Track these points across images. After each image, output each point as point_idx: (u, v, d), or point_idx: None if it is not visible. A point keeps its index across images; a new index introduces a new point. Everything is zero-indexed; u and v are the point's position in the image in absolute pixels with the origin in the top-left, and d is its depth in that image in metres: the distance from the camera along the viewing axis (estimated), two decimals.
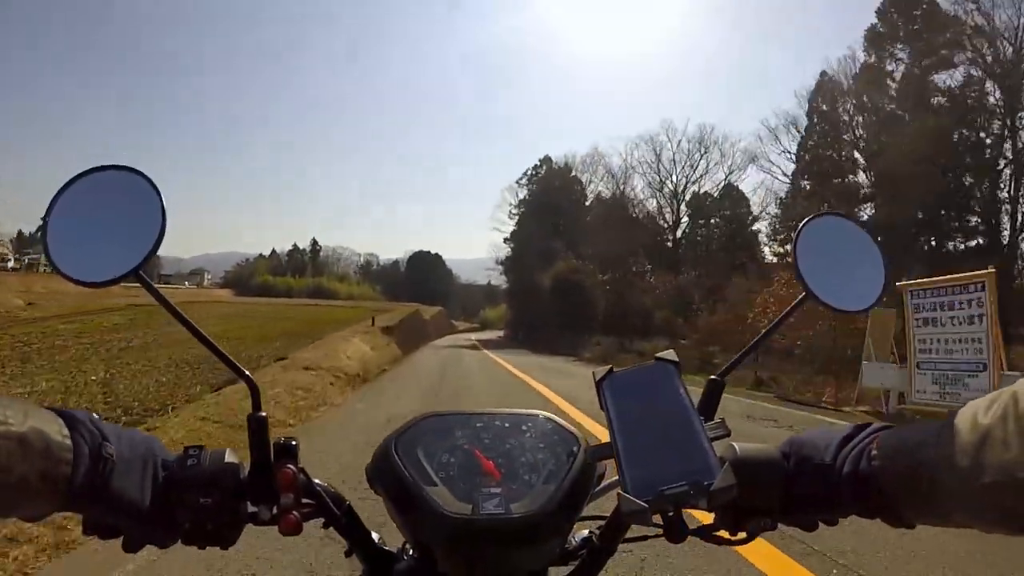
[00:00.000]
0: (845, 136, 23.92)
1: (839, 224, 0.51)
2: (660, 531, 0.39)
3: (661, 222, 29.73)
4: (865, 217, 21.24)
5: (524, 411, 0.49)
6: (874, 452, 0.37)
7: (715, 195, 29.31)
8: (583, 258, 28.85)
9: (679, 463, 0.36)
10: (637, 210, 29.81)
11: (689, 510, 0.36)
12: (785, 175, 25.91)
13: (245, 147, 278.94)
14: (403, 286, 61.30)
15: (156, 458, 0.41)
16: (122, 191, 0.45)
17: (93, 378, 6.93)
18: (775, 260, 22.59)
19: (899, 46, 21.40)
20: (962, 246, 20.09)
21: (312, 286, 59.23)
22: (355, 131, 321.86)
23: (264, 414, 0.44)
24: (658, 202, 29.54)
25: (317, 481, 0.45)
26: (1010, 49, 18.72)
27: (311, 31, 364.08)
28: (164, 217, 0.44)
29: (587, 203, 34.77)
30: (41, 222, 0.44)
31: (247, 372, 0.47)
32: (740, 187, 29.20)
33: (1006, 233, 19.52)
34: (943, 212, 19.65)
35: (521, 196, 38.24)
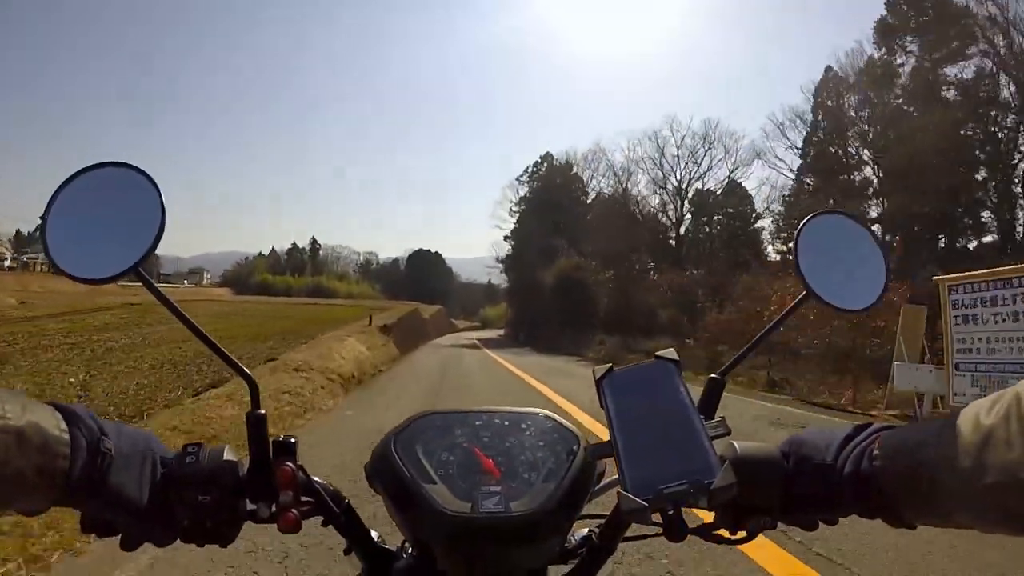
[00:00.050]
0: (852, 131, 23.55)
1: (840, 222, 0.51)
2: (660, 530, 0.39)
3: (664, 219, 29.34)
4: (875, 214, 20.89)
5: (524, 409, 0.49)
6: (875, 452, 0.37)
7: (718, 192, 28.91)
8: (584, 256, 28.61)
9: (679, 462, 0.36)
10: (640, 207, 29.42)
11: (689, 509, 0.37)
12: (792, 171, 25.62)
13: (245, 146, 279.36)
14: (403, 285, 61.17)
15: (154, 455, 0.40)
16: (121, 188, 0.45)
17: (72, 380, 6.60)
18: (778, 258, 22.27)
19: (909, 38, 20.98)
20: (975, 242, 19.72)
21: (311, 285, 59.21)
22: (355, 130, 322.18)
23: (263, 412, 0.44)
24: (662, 199, 29.16)
25: (316, 479, 0.45)
26: None
27: (311, 31, 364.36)
28: (163, 214, 0.44)
29: (588, 200, 34.39)
30: (40, 220, 0.44)
31: (247, 370, 0.47)
32: (744, 184, 28.83)
33: (1021, 229, 19.12)
34: (956, 208, 19.24)
35: (522, 193, 37.96)
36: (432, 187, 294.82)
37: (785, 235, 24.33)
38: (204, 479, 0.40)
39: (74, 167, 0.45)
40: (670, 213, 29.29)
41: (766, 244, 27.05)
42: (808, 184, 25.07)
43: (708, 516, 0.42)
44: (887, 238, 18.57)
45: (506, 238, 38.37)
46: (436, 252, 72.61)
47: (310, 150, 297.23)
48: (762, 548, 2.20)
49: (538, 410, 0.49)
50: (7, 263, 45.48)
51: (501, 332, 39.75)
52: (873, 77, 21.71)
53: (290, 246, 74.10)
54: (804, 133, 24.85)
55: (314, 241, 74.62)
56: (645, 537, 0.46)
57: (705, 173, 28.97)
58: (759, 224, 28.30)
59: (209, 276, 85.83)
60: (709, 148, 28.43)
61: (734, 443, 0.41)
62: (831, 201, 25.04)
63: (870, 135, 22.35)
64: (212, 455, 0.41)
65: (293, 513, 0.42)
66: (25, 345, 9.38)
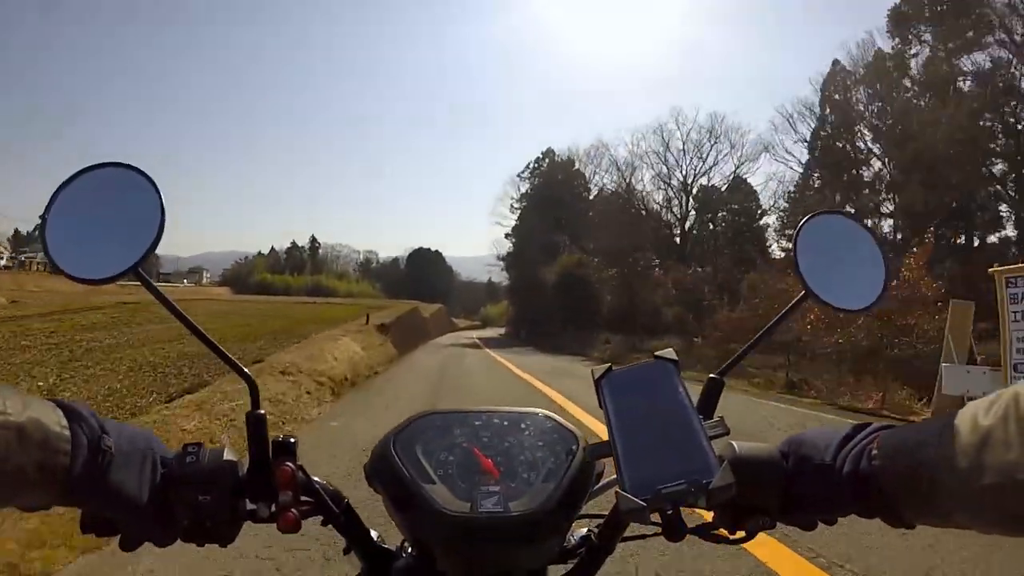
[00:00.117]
0: (861, 125, 23.10)
1: (840, 222, 0.51)
2: (659, 530, 0.39)
3: (668, 216, 28.81)
4: (888, 209, 20.38)
5: (523, 409, 0.49)
6: (874, 452, 0.37)
7: (723, 189, 28.40)
8: (587, 253, 28.08)
9: (678, 462, 0.37)
10: (643, 203, 28.90)
11: (688, 508, 0.37)
12: (801, 164, 25.09)
13: (245, 146, 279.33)
14: (403, 284, 60.90)
15: (155, 454, 0.41)
16: (121, 188, 0.46)
17: (40, 384, 6.11)
18: (783, 255, 21.84)
19: (924, 27, 20.39)
20: (993, 237, 19.18)
21: (311, 284, 59.03)
22: (355, 129, 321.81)
23: (263, 412, 0.45)
24: (666, 194, 28.62)
25: (316, 479, 0.45)
26: None
27: (311, 30, 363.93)
28: (163, 215, 0.45)
29: (591, 196, 33.90)
30: (40, 220, 0.44)
31: (246, 370, 0.47)
32: (749, 180, 28.39)
33: None
34: (972, 202, 18.70)
35: (523, 190, 37.53)
36: (432, 186, 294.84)
37: (790, 232, 23.86)
38: (204, 479, 0.40)
39: (72, 167, 0.45)
40: (675, 209, 28.80)
41: (771, 241, 26.59)
42: (815, 180, 24.60)
43: (708, 516, 0.43)
44: (898, 236, 18.01)
45: (507, 235, 38.10)
46: (436, 251, 72.56)
47: (310, 149, 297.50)
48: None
49: (537, 410, 0.50)
50: (3, 262, 45.29)
51: (502, 331, 39.38)
52: (884, 69, 21.17)
53: (289, 245, 73.89)
54: (813, 126, 24.32)
55: (313, 240, 74.58)
56: (644, 537, 0.46)
57: (711, 168, 28.55)
58: (764, 221, 27.86)
59: (208, 275, 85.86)
60: (715, 143, 27.93)
61: (733, 443, 0.41)
62: (837, 197, 24.61)
63: (883, 128, 21.79)
64: (212, 455, 0.42)
65: (293, 513, 0.43)
66: (3, 345, 8.90)
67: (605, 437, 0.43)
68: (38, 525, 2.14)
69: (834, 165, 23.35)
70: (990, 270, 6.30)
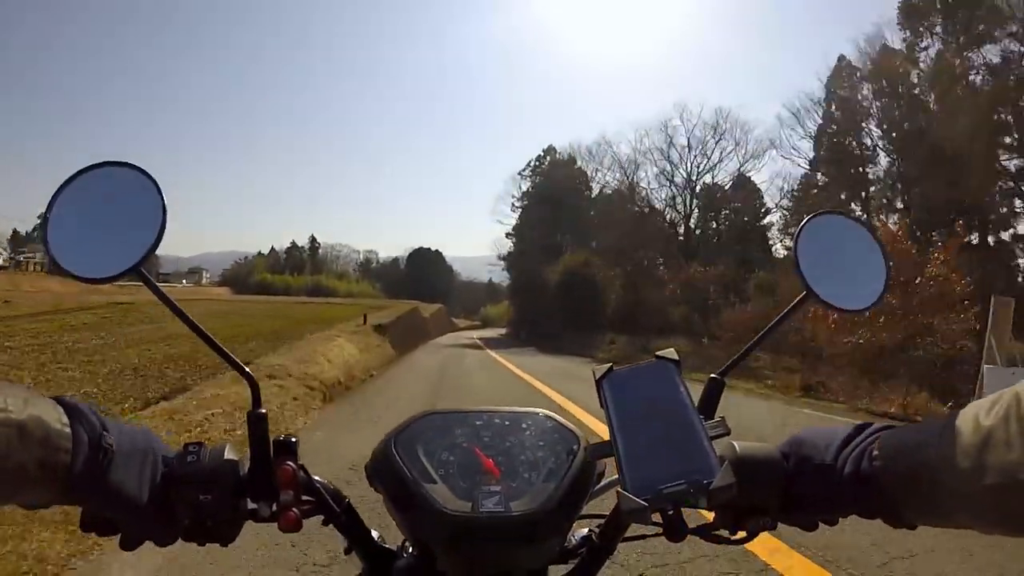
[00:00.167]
0: (867, 121, 22.76)
1: (841, 223, 0.52)
2: (659, 530, 0.40)
3: (671, 214, 28.42)
4: (901, 205, 19.98)
5: (524, 409, 0.50)
6: (875, 452, 0.38)
7: (726, 187, 28.05)
8: (589, 252, 27.70)
9: (679, 462, 0.37)
10: (647, 201, 28.51)
11: (689, 509, 0.37)
12: (807, 161, 24.78)
13: (246, 146, 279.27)
14: (403, 284, 60.68)
15: (156, 453, 0.41)
16: (123, 188, 0.46)
17: None
18: (787, 254, 21.53)
19: (935, 19, 19.98)
20: (1004, 234, 18.79)
21: (310, 284, 58.84)
22: (355, 129, 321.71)
23: (264, 411, 0.45)
24: (671, 191, 28.19)
25: (317, 478, 0.46)
26: None
27: (311, 30, 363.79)
28: (165, 214, 0.45)
29: (593, 195, 33.49)
30: (39, 219, 0.49)
31: (247, 369, 0.47)
32: (754, 179, 28.06)
33: None
34: (987, 197, 18.31)
35: (524, 188, 37.16)
36: (432, 185, 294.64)
37: (793, 230, 23.59)
38: (205, 478, 0.41)
39: (72, 167, 0.45)
40: (679, 207, 28.36)
41: (775, 241, 26.30)
42: (819, 178, 24.29)
43: (709, 516, 0.43)
44: (917, 233, 17.54)
45: (508, 235, 37.79)
46: (436, 250, 72.23)
47: (310, 149, 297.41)
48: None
49: (538, 410, 0.50)
50: (0, 263, 45.03)
51: (503, 331, 39.03)
52: (891, 64, 20.78)
53: (289, 245, 73.70)
54: (819, 122, 23.99)
55: (313, 240, 74.45)
56: (645, 537, 0.46)
57: (715, 166, 28.10)
58: (767, 220, 27.53)
59: (208, 275, 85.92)
60: (720, 139, 27.49)
61: (734, 443, 0.41)
62: (843, 195, 24.28)
63: (893, 123, 21.41)
64: (213, 454, 0.42)
65: (294, 512, 0.43)
66: None
67: (608, 439, 0.42)
68: None
69: (840, 162, 23.06)
70: None
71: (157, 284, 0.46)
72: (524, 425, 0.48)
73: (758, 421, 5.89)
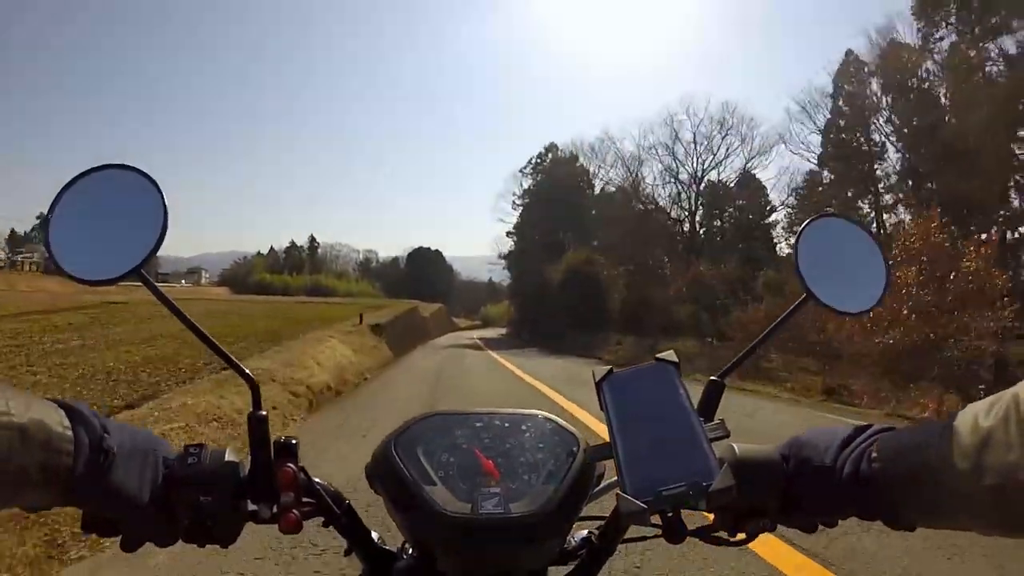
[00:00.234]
0: (876, 117, 22.30)
1: (840, 225, 0.52)
2: (659, 532, 0.40)
3: (676, 212, 27.88)
4: (914, 201, 19.45)
5: (524, 411, 0.50)
6: (874, 454, 0.38)
7: (730, 184, 27.59)
8: (592, 250, 27.23)
9: (678, 464, 0.37)
10: (651, 198, 28.00)
11: (689, 511, 0.37)
12: (816, 156, 24.28)
13: (244, 146, 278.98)
14: (403, 283, 60.33)
15: (157, 455, 0.41)
16: (124, 190, 0.46)
17: None
18: (790, 253, 21.10)
19: (950, 9, 19.46)
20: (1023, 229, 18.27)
21: (310, 284, 58.53)
22: (355, 128, 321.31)
23: (264, 413, 0.45)
24: (677, 188, 27.62)
25: (317, 480, 0.46)
26: None
27: (311, 30, 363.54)
28: (166, 216, 0.45)
29: (595, 192, 33.03)
30: (36, 220, 0.48)
31: (247, 371, 0.47)
32: (758, 176, 27.58)
33: None
34: (1007, 192, 17.79)
35: (525, 186, 36.65)
36: (432, 185, 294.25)
37: (796, 229, 23.29)
38: (206, 480, 0.41)
39: (71, 167, 0.50)
40: (684, 204, 27.81)
41: (779, 239, 25.91)
42: (825, 175, 23.87)
43: (709, 517, 0.43)
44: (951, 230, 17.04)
45: (509, 233, 37.36)
46: (436, 250, 71.96)
47: (309, 149, 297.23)
48: None
49: (538, 412, 0.50)
50: None
51: (503, 331, 38.67)
52: (902, 56, 20.27)
53: (288, 244, 73.27)
54: (827, 118, 23.56)
55: (312, 239, 74.14)
56: (644, 539, 0.46)
57: (721, 162, 27.61)
58: (772, 218, 27.15)
59: (208, 276, 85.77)
60: (726, 135, 26.94)
61: (733, 445, 0.42)
62: (849, 192, 23.87)
63: (900, 118, 20.92)
64: (214, 456, 0.42)
65: (294, 514, 0.43)
66: None
67: (607, 440, 0.42)
68: None
69: (847, 158, 22.69)
70: None
71: (157, 285, 0.46)
72: (524, 427, 0.48)
73: (790, 430, 5.39)
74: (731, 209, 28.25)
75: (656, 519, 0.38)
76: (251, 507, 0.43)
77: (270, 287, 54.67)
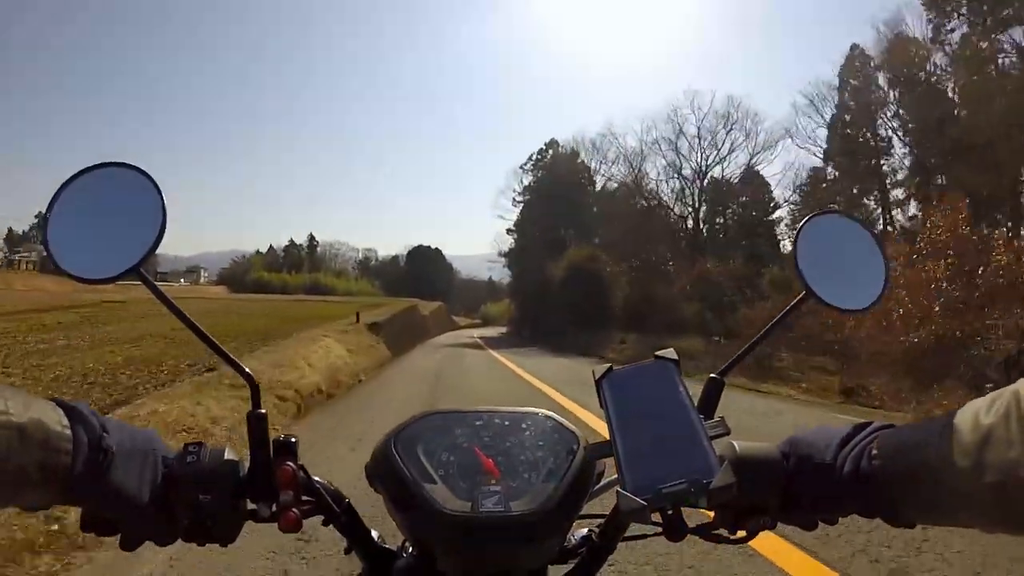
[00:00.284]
0: (883, 111, 21.97)
1: (841, 222, 0.52)
2: (659, 529, 0.40)
3: (679, 208, 27.53)
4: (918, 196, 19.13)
5: (524, 409, 0.50)
6: (874, 452, 0.38)
7: (733, 180, 27.25)
8: (594, 247, 26.81)
9: (678, 461, 0.37)
10: (654, 194, 27.67)
11: (689, 508, 0.37)
12: (822, 151, 23.94)
13: (244, 145, 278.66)
14: (403, 282, 60.15)
15: (156, 454, 0.41)
16: (123, 188, 0.46)
17: None
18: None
19: (962, 0, 19.07)
20: None
21: (309, 282, 58.31)
22: (354, 127, 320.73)
23: (264, 411, 0.45)
24: (681, 184, 27.22)
25: (316, 478, 0.46)
26: None
27: (311, 30, 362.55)
28: (164, 215, 0.45)
29: (598, 188, 32.65)
30: (35, 219, 0.42)
31: (247, 369, 0.47)
32: (765, 171, 27.26)
33: None
34: (1011, 187, 17.46)
35: (526, 182, 36.25)
36: (432, 184, 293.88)
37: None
38: (205, 478, 0.41)
39: (70, 166, 0.46)
40: (687, 200, 27.43)
41: (782, 237, 25.66)
42: (829, 172, 23.59)
43: (709, 515, 0.43)
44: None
45: (509, 231, 37.09)
46: (436, 248, 71.90)
47: (309, 148, 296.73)
48: None
49: (538, 410, 0.50)
50: None
51: (503, 329, 38.38)
52: (910, 50, 19.89)
53: (287, 243, 73.02)
54: (832, 113, 23.24)
55: (312, 238, 73.98)
56: (645, 537, 0.47)
57: (725, 158, 27.26)
58: (776, 215, 26.86)
59: (207, 274, 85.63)
60: (731, 129, 26.54)
61: (734, 443, 0.42)
62: (855, 189, 23.60)
63: (908, 112, 20.57)
64: (213, 455, 0.42)
65: (294, 512, 0.43)
66: None
67: (607, 438, 0.42)
68: None
69: (852, 153, 22.40)
70: None
71: (156, 284, 0.46)
72: (524, 425, 0.48)
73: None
74: (734, 206, 27.96)
75: (656, 517, 0.37)
76: (250, 506, 0.43)
77: (268, 286, 54.59)
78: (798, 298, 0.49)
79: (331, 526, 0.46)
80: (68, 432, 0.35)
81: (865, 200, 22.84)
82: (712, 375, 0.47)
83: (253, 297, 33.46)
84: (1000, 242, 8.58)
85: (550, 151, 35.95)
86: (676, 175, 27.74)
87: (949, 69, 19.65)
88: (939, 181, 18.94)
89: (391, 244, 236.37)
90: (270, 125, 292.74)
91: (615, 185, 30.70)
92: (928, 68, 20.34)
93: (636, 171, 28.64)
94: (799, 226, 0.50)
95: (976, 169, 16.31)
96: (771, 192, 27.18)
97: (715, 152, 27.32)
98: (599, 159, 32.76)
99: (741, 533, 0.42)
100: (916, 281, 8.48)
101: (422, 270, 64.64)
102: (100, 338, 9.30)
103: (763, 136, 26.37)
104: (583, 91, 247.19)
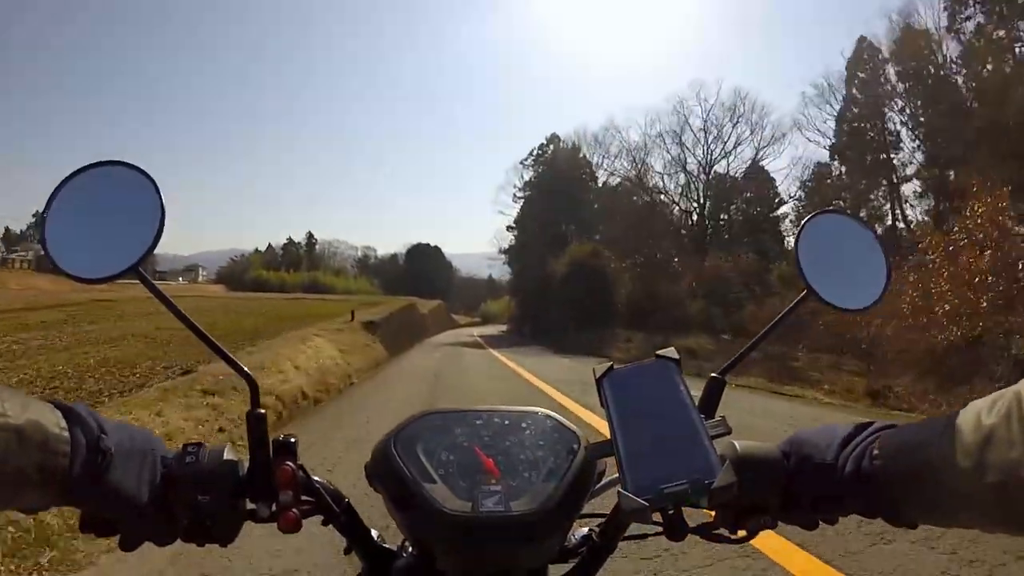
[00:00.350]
0: (892, 103, 21.46)
1: (842, 221, 0.53)
2: (660, 529, 0.40)
3: (684, 203, 27.03)
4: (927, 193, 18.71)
5: (524, 408, 0.50)
6: (876, 452, 0.38)
7: (738, 176, 26.80)
8: (596, 243, 26.33)
9: (679, 461, 0.37)
10: (658, 189, 27.20)
11: (690, 508, 0.37)
12: (830, 144, 23.48)
13: (244, 145, 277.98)
14: (402, 280, 59.83)
15: (155, 454, 0.41)
16: (121, 187, 0.46)
17: None
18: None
19: None
20: None
21: (307, 281, 57.86)
22: (354, 126, 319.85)
23: (263, 411, 0.45)
24: (685, 178, 26.70)
25: (316, 478, 0.46)
26: None
27: (311, 29, 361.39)
28: (163, 214, 0.45)
29: (599, 184, 32.14)
30: (32, 218, 0.41)
31: (246, 368, 0.47)
32: (769, 168, 26.88)
33: None
34: None
35: (527, 178, 35.71)
36: (432, 182, 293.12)
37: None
38: (204, 479, 0.41)
39: (69, 165, 0.46)
40: (692, 195, 26.91)
41: (787, 233, 25.31)
42: (835, 167, 23.18)
43: (710, 515, 0.44)
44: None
45: (509, 228, 36.72)
46: (436, 246, 71.52)
47: (309, 147, 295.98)
48: None
49: (538, 409, 0.50)
50: None
51: (504, 328, 38.01)
52: (922, 41, 19.39)
53: (286, 241, 72.54)
54: (839, 107, 22.80)
55: (310, 236, 73.44)
56: (645, 536, 0.47)
57: (730, 152, 26.81)
58: (781, 211, 26.49)
59: (205, 273, 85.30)
60: (736, 123, 26.04)
61: (735, 442, 0.42)
62: (862, 183, 23.26)
63: (919, 104, 20.10)
64: (212, 455, 0.42)
65: (293, 512, 0.43)
66: None
67: (608, 438, 0.42)
68: None
69: (860, 147, 21.88)
70: None
71: (154, 283, 0.46)
72: (524, 424, 0.48)
73: None
74: (738, 202, 27.51)
75: (657, 517, 0.37)
76: (250, 506, 0.43)
77: (267, 284, 54.29)
78: (799, 297, 0.49)
79: (331, 526, 0.47)
80: (66, 434, 0.35)
81: (872, 196, 22.41)
82: (713, 374, 0.47)
83: (251, 295, 33.08)
84: None
85: (551, 146, 35.57)
86: (681, 169, 27.31)
87: (961, 60, 19.22)
88: (950, 175, 18.54)
89: (390, 243, 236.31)
90: (270, 125, 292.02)
91: (617, 180, 30.33)
92: (939, 60, 19.91)
93: (640, 165, 28.20)
94: (801, 225, 0.50)
95: (992, 161, 15.85)
96: (775, 188, 26.88)
97: (721, 146, 26.98)
98: (601, 154, 32.42)
99: (742, 533, 0.42)
100: (958, 275, 7.98)
101: (421, 268, 64.24)
102: (79, 338, 8.89)
103: (769, 130, 25.97)
104: (583, 91, 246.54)
